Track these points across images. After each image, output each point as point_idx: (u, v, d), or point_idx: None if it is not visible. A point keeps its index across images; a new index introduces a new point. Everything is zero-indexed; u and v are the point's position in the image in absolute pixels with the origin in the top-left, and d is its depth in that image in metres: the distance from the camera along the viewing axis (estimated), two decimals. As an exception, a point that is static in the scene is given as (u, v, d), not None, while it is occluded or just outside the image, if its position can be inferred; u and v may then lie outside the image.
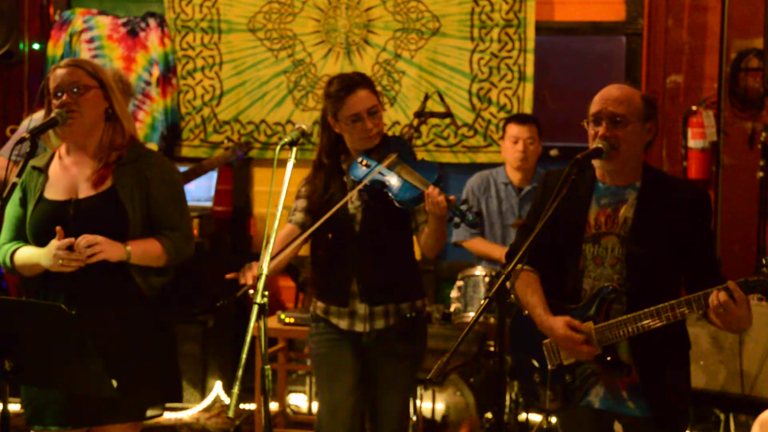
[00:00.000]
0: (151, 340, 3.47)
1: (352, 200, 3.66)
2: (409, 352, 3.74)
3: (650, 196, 3.25)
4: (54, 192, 3.40)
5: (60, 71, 3.38)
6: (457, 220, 3.44)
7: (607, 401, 3.30)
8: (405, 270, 3.77)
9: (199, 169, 5.55)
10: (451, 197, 3.44)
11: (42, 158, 3.47)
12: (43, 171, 3.43)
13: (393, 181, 3.56)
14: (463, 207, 3.42)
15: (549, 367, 3.35)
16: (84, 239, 3.26)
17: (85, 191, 3.39)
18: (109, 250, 3.30)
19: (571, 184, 3.14)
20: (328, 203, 3.62)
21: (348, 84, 3.65)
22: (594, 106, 3.23)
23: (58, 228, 3.28)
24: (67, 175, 3.43)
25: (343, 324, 3.71)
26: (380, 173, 3.57)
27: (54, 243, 3.28)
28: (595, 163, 3.25)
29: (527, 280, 3.35)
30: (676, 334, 3.30)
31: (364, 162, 3.62)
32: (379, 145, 3.67)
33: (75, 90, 3.34)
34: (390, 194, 3.56)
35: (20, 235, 3.43)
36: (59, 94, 3.35)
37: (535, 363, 3.41)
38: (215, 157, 5.88)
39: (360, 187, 3.56)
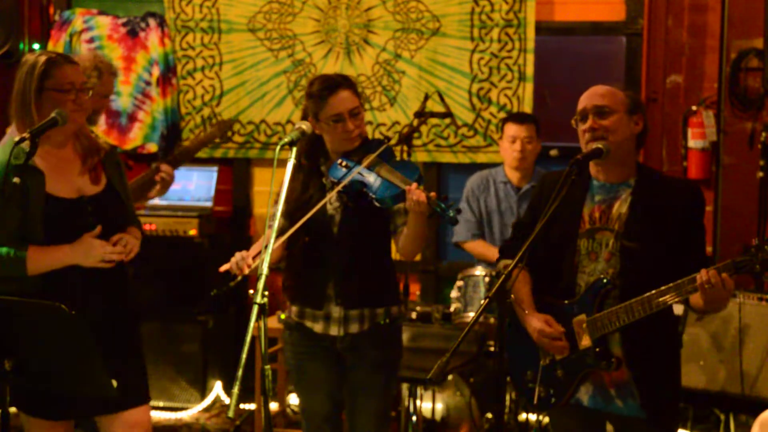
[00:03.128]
0: (138, 327, 3.64)
1: (331, 201, 3.61)
2: (384, 358, 3.70)
3: (644, 192, 3.30)
4: (59, 189, 3.42)
5: (71, 68, 3.41)
6: (438, 215, 3.37)
7: (595, 399, 3.33)
8: (382, 275, 3.72)
9: (185, 152, 5.29)
10: (432, 193, 3.38)
11: (17, 157, 3.31)
12: (34, 168, 3.34)
13: (372, 180, 3.50)
14: (444, 204, 3.35)
15: (541, 363, 3.38)
16: (121, 241, 3.42)
17: (89, 188, 3.47)
18: (136, 244, 3.50)
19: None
20: (306, 205, 3.57)
21: (330, 84, 3.61)
22: (580, 105, 3.35)
23: (98, 227, 3.38)
24: (63, 172, 3.44)
25: (317, 327, 3.66)
26: (360, 173, 3.52)
27: (94, 241, 3.36)
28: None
29: (518, 278, 3.38)
30: (667, 332, 3.35)
31: (344, 163, 3.57)
32: (360, 147, 3.61)
33: (84, 90, 3.41)
34: (369, 193, 3.50)
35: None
36: (69, 90, 3.37)
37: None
38: (202, 136, 5.60)
39: (339, 187, 3.51)
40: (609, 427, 3.46)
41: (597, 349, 3.26)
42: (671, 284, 3.11)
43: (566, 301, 3.32)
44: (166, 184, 4.72)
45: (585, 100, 3.33)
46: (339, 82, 3.62)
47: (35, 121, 3.34)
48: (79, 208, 3.42)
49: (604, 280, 3.25)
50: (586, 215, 3.33)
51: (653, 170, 3.46)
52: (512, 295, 3.37)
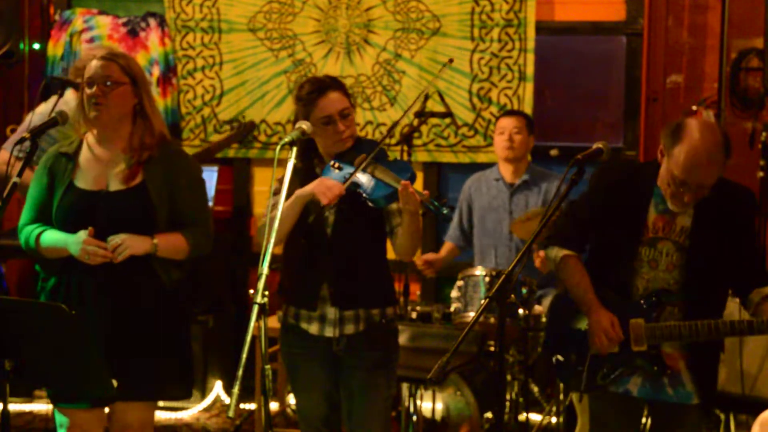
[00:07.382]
0: (169, 331, 3.60)
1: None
2: (381, 359, 3.66)
3: (706, 206, 3.35)
4: (84, 181, 3.52)
5: (96, 63, 3.53)
6: (432, 213, 3.35)
7: (645, 389, 3.45)
8: (377, 275, 3.68)
9: (205, 153, 5.44)
10: (425, 191, 3.37)
11: (70, 145, 3.58)
12: (72, 158, 3.54)
13: (365, 180, 3.48)
14: (437, 202, 3.32)
15: (591, 351, 3.48)
16: (112, 241, 3.41)
17: (115, 185, 3.52)
18: (134, 246, 3.45)
19: (631, 184, 3.40)
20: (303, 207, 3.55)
21: (319, 86, 3.58)
22: (683, 173, 3.23)
23: (90, 228, 3.41)
24: (98, 166, 3.54)
25: (312, 329, 3.63)
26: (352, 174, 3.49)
27: (84, 236, 3.40)
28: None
29: (575, 265, 3.52)
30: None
31: (337, 165, 3.54)
32: (352, 147, 3.59)
33: (107, 84, 3.48)
34: (363, 194, 3.47)
35: (42, 218, 3.55)
36: (91, 84, 3.49)
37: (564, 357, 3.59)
38: (222, 138, 5.82)
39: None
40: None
41: (652, 352, 3.39)
42: (744, 320, 3.26)
43: (624, 300, 3.42)
44: None
45: (691, 175, 3.22)
46: (328, 84, 3.59)
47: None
48: (92, 202, 3.49)
49: (668, 292, 3.37)
50: (650, 223, 3.41)
51: None
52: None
